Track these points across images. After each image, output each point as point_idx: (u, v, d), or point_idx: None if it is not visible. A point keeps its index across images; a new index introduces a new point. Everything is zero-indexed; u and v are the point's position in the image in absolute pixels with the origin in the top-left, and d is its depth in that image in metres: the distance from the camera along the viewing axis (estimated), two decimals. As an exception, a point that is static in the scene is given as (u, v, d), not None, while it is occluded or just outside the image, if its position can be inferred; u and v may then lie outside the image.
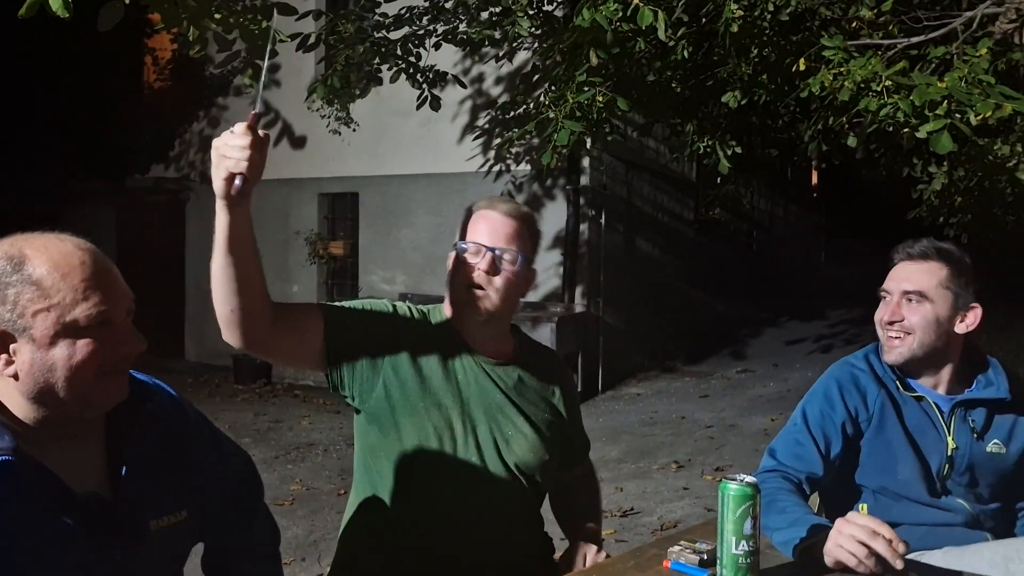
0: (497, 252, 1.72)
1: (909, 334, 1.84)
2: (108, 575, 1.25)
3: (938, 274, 1.84)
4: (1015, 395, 1.87)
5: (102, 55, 9.41)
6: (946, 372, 1.88)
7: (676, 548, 1.53)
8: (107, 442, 1.32)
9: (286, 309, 1.60)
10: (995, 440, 1.86)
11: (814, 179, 15.37)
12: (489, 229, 1.74)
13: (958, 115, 3.85)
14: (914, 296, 1.85)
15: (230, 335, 1.52)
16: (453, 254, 1.77)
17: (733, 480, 1.43)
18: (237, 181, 1.38)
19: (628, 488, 5.16)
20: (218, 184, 1.39)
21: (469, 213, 1.80)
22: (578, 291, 8.10)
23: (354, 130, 8.62)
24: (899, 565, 1.41)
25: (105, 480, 1.29)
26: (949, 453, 1.83)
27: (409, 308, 1.77)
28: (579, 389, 7.69)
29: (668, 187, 9.76)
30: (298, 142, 9.49)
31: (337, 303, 1.71)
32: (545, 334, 7.05)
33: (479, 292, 1.71)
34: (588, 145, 6.26)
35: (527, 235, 1.77)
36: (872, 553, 1.42)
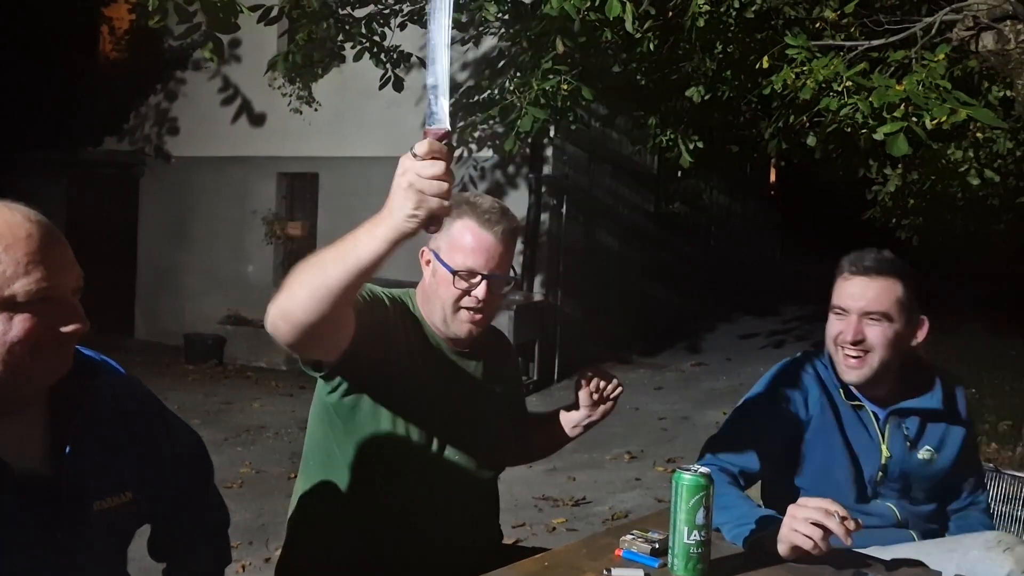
0: (493, 279, 1.67)
1: (868, 352, 1.82)
2: (48, 555, 1.22)
3: (895, 291, 1.81)
4: (947, 403, 1.89)
5: (57, 23, 9.13)
6: (888, 382, 1.87)
7: (628, 537, 1.54)
8: (51, 419, 1.28)
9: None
10: (927, 447, 1.88)
11: (772, 177, 15.59)
12: (483, 252, 1.65)
13: (914, 119, 3.93)
14: (876, 316, 1.81)
15: (288, 336, 1.39)
16: (431, 259, 1.69)
17: (687, 470, 1.44)
18: (432, 225, 1.20)
19: (580, 478, 5.20)
20: (406, 222, 1.19)
21: (453, 214, 1.65)
22: (537, 280, 8.10)
23: (316, 109, 8.50)
24: (849, 542, 1.45)
25: (47, 458, 1.26)
26: (883, 461, 1.85)
27: (392, 296, 1.74)
28: (535, 378, 7.76)
29: (629, 179, 9.80)
30: (257, 119, 9.33)
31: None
32: (503, 322, 7.05)
33: (471, 315, 1.67)
34: (551, 133, 6.27)
35: (514, 248, 1.74)
36: (826, 535, 1.45)
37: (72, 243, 1.24)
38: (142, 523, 1.44)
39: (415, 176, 1.17)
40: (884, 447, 1.85)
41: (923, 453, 1.88)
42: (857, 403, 1.88)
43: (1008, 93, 4.86)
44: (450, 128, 1.19)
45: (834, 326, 1.86)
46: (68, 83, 9.88)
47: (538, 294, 8.04)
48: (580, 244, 8.69)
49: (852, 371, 1.84)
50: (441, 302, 1.68)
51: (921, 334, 1.86)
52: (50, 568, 1.23)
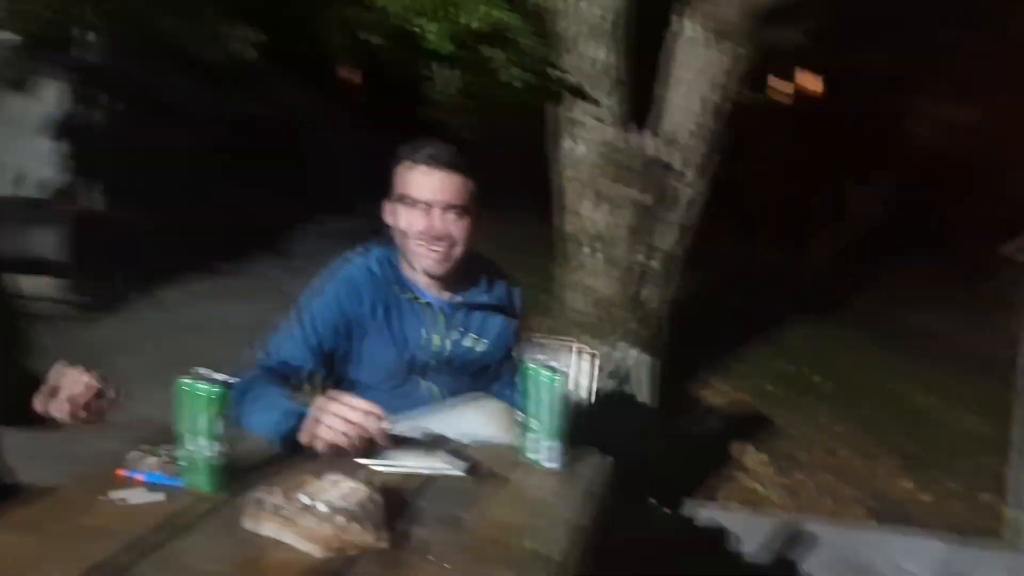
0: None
1: (453, 246, 1.84)
2: None
3: (470, 184, 1.85)
4: (505, 297, 2.01)
5: None
6: (453, 275, 1.91)
7: (134, 455, 1.41)
8: None
9: None
10: (478, 336, 1.96)
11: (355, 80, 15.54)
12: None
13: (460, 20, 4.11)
14: (459, 210, 1.83)
15: None
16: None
17: (199, 380, 1.33)
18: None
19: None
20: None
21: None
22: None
23: None
24: (385, 443, 1.50)
25: None
26: (435, 349, 1.91)
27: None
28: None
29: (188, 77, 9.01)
30: None
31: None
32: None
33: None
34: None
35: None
36: (364, 432, 1.48)
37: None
38: None
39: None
40: (436, 336, 1.90)
41: (473, 342, 1.95)
42: (414, 297, 1.91)
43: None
44: None
45: (418, 220, 1.83)
46: None
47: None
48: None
49: (436, 264, 1.85)
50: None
51: (484, 224, 1.93)
52: None
